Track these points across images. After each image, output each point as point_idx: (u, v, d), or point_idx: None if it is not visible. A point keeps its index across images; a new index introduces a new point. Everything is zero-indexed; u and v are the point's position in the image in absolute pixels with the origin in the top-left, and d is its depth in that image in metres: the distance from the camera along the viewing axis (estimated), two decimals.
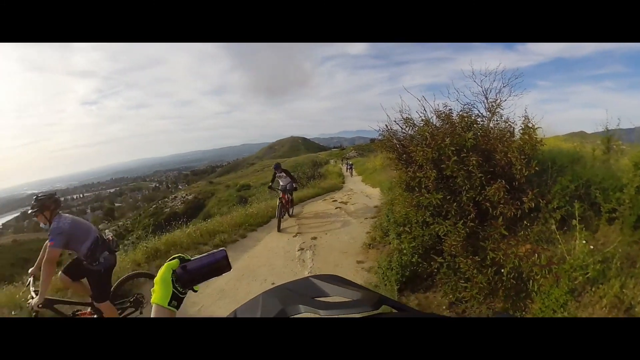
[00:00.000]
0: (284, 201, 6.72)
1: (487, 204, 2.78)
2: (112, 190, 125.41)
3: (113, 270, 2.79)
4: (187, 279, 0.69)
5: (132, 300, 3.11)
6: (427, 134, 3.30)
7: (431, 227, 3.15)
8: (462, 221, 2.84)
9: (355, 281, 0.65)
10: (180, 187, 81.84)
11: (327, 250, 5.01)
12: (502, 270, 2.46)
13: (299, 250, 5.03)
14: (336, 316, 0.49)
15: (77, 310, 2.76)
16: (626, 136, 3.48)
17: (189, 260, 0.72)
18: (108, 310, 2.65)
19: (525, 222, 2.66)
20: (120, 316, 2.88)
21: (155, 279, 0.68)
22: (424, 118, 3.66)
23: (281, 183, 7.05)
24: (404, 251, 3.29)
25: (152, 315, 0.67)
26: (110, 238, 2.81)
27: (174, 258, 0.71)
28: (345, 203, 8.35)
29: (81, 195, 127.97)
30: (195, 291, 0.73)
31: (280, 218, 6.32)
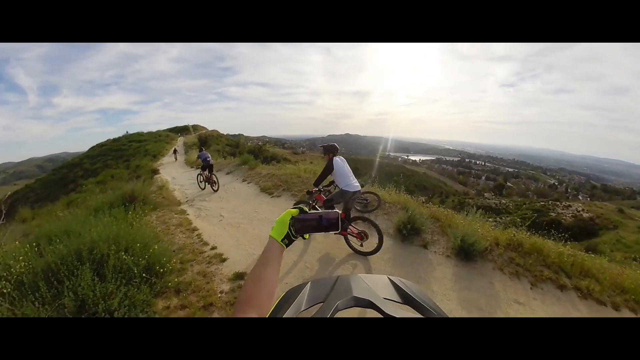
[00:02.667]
0: None
1: None
2: (509, 170, 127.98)
3: (205, 169, 8.66)
4: (299, 227, 0.81)
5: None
6: None
7: None
8: None
9: None
10: (580, 198, 69.57)
11: None
12: None
13: None
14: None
15: None
16: None
17: (306, 212, 0.83)
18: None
19: None
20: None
21: (277, 219, 0.82)
22: None
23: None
24: None
25: (265, 246, 0.78)
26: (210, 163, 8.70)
27: (295, 207, 0.84)
28: None
29: (483, 164, 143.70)
30: (305, 239, 0.84)
31: None
